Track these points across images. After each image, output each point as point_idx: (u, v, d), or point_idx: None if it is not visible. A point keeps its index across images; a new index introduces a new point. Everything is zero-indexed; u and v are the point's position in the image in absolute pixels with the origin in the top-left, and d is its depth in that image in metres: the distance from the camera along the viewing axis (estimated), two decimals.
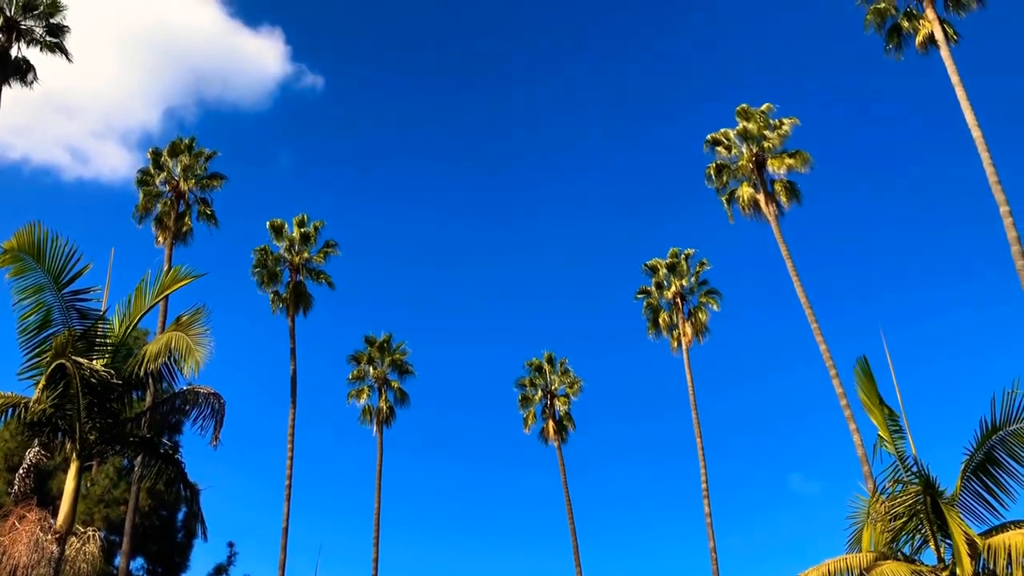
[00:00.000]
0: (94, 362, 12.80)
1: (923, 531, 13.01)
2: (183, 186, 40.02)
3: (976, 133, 27.68)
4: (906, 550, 13.35)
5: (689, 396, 42.68)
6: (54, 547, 11.87)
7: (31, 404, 12.61)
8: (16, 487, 12.31)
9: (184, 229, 39.80)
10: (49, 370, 12.15)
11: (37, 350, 13.19)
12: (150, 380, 14.23)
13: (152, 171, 40.52)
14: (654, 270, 46.71)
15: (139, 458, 15.13)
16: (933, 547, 12.81)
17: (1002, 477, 12.66)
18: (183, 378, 13.96)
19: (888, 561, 12.59)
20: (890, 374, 14.77)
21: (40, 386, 12.09)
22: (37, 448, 13.11)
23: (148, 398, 16.61)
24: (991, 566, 11.90)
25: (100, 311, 13.74)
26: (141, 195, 39.85)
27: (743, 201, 38.55)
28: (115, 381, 12.66)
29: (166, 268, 14.16)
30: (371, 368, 49.78)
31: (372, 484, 47.56)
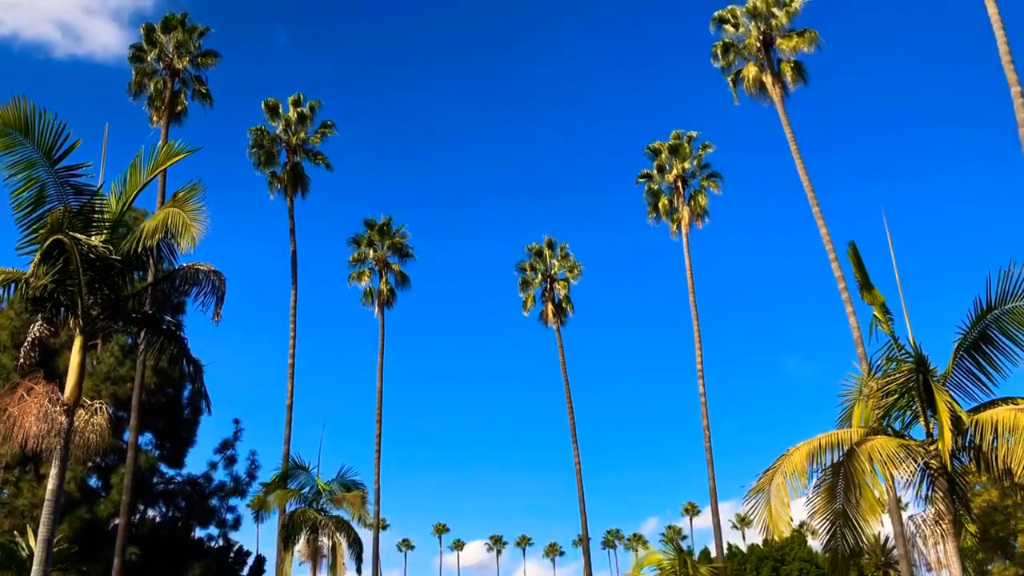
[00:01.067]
0: (92, 238, 12.78)
1: (914, 408, 13.28)
2: (177, 64, 39.12)
3: (992, 10, 26.85)
4: (896, 426, 13.67)
5: (687, 280, 42.98)
6: (63, 418, 12.14)
7: (31, 279, 12.67)
8: (22, 360, 12.51)
9: (179, 108, 39.17)
10: (45, 245, 12.16)
11: (34, 226, 13.15)
12: (150, 258, 14.26)
13: (145, 47, 39.55)
14: (656, 153, 46.21)
15: (142, 335, 15.31)
16: (923, 423, 13.11)
17: (994, 355, 12.83)
18: (182, 255, 13.99)
19: (878, 436, 12.90)
20: (890, 255, 14.79)
21: (36, 261, 12.10)
22: (41, 323, 13.25)
23: (149, 277, 16.69)
24: (977, 441, 12.22)
25: (95, 187, 13.62)
26: (134, 72, 39.04)
27: (748, 81, 37.80)
28: (114, 257, 12.67)
29: (162, 144, 13.94)
30: (371, 251, 49.94)
31: (374, 364, 48.50)
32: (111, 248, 12.68)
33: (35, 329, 13.03)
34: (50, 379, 13.29)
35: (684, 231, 43.83)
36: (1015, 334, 12.57)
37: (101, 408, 12.71)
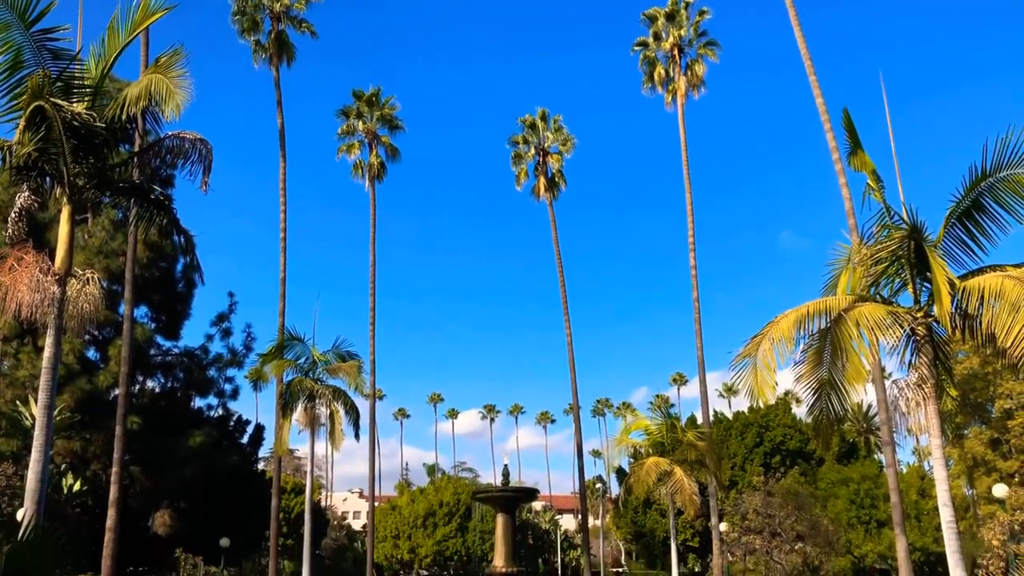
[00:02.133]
0: (74, 105, 12.47)
1: (903, 275, 13.38)
2: None
3: None
4: (884, 293, 13.80)
5: (681, 151, 42.54)
6: (55, 288, 12.16)
7: (14, 147, 12.43)
8: (10, 230, 12.42)
9: None
10: (28, 112, 11.87)
11: (13, 92, 12.80)
12: (135, 128, 13.98)
13: None
14: (652, 19, 44.86)
15: (132, 206, 15.15)
16: (911, 290, 13.23)
17: (985, 223, 12.84)
18: (167, 124, 13.70)
19: (866, 303, 13.04)
20: (887, 125, 14.60)
21: (20, 128, 11.84)
22: (27, 193, 13.08)
23: (136, 148, 16.39)
24: (964, 306, 12.37)
25: (73, 52, 13.19)
26: None
27: None
28: (97, 125, 12.41)
29: (139, 5, 13.38)
30: (360, 123, 49.12)
31: (367, 240, 48.51)
32: (94, 115, 12.40)
33: (22, 199, 12.87)
34: (41, 252, 13.22)
35: (680, 102, 43.06)
36: (1008, 202, 12.54)
37: (93, 278, 12.71)
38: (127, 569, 43.02)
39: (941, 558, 46.53)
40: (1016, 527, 26.00)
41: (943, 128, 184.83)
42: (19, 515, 17.15)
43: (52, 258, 12.95)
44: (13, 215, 12.63)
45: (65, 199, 12.82)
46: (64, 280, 12.45)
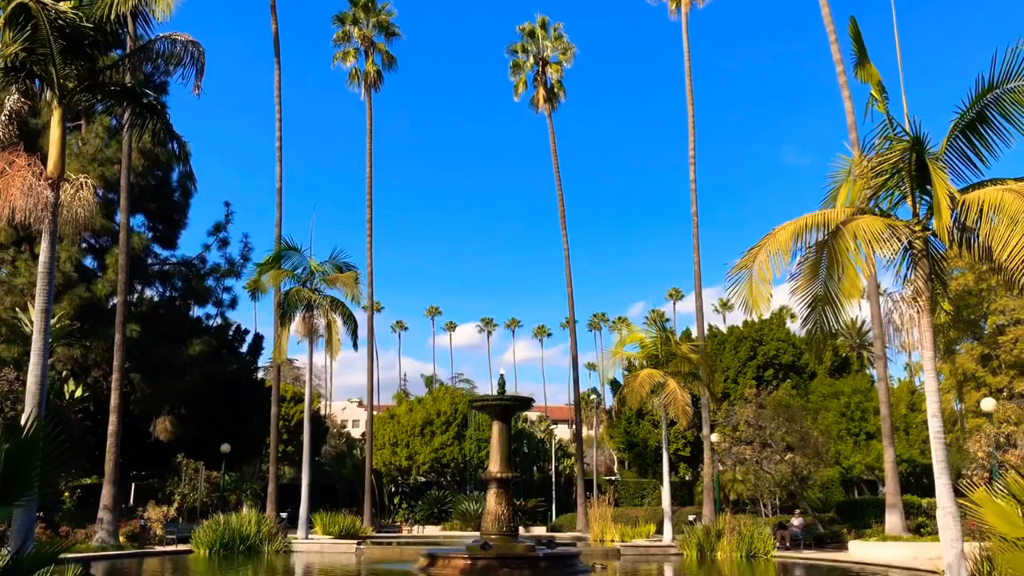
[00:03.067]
0: (60, 4, 12.14)
1: (903, 188, 13.29)
2: None
3: None
4: (883, 206, 13.74)
5: (684, 62, 41.77)
6: (48, 192, 12.06)
7: (1, 48, 12.15)
8: (0, 133, 12.24)
9: None
10: (9, 9, 11.56)
11: None
12: (127, 33, 13.65)
13: None
14: None
15: (126, 113, 14.90)
16: (910, 203, 13.17)
17: (989, 135, 12.68)
18: (157, 24, 13.37)
19: (864, 215, 12.99)
20: (893, 36, 14.29)
21: (1, 27, 11.54)
22: (16, 95, 12.85)
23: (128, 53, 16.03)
24: (963, 220, 12.32)
25: None
26: None
27: None
28: (85, 24, 12.11)
29: None
30: (356, 29, 48.06)
31: (364, 150, 48.01)
32: (81, 15, 12.09)
33: (11, 102, 12.65)
34: (33, 156, 13.06)
35: (684, 11, 42.05)
36: (1013, 114, 12.36)
37: (86, 182, 12.59)
38: (131, 473, 43.98)
39: (927, 469, 47.58)
40: (1002, 439, 26.52)
41: (951, 35, 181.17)
42: (23, 419, 17.40)
43: (45, 164, 12.81)
44: (3, 117, 12.44)
45: (55, 102, 12.60)
46: (57, 184, 12.34)
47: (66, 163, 12.98)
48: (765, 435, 35.18)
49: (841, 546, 30.15)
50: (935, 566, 13.93)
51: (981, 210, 11.94)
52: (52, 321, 32.06)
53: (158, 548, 28.47)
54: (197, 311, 44.43)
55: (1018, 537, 7.48)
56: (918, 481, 45.70)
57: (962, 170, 13.07)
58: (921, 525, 31.86)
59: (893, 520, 29.34)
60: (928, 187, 12.96)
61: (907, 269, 13.44)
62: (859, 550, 27.37)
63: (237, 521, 27.65)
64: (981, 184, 12.76)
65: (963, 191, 12.65)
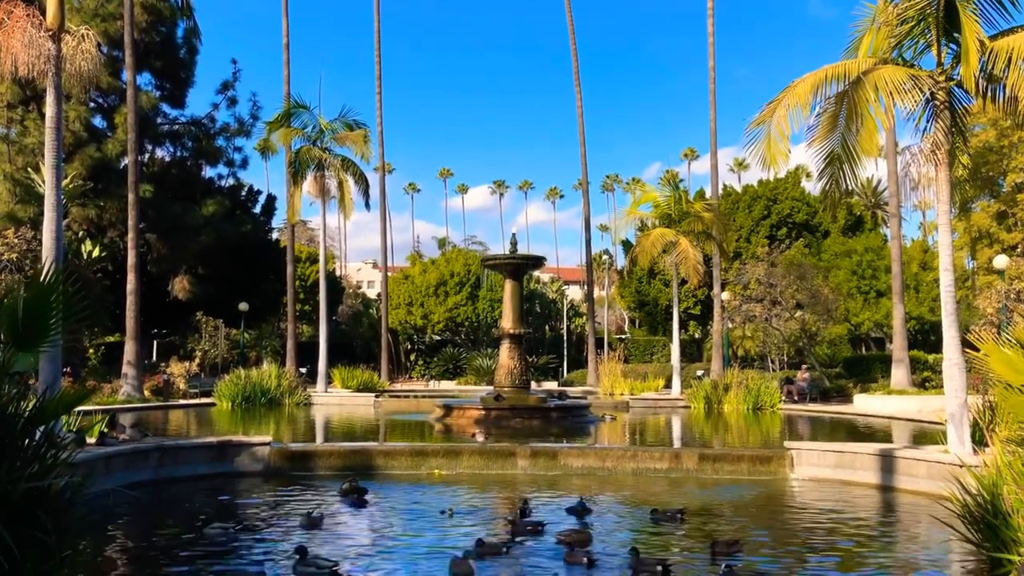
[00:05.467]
0: None
1: (928, 36, 12.82)
2: None
3: None
4: (907, 56, 13.30)
5: None
6: (49, 44, 11.80)
7: None
8: None
9: None
10: None
11: None
12: None
13: None
14: None
15: None
16: (935, 52, 12.73)
17: None
18: None
19: (887, 66, 12.60)
20: None
21: None
22: None
23: None
24: (989, 68, 11.94)
25: None
26: None
27: None
28: None
29: None
30: None
31: (370, 5, 46.47)
32: None
33: None
34: (31, 5, 12.69)
35: None
36: None
37: (88, 35, 12.28)
38: (152, 331, 45.04)
39: (934, 327, 48.12)
40: (1012, 295, 26.64)
41: None
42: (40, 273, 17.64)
43: (44, 16, 12.47)
44: None
45: None
46: (58, 36, 12.05)
47: (66, 17, 12.64)
48: (775, 293, 35.47)
49: (847, 400, 30.88)
50: (939, 417, 14.28)
51: (1010, 58, 11.53)
52: (65, 182, 32.10)
53: (182, 401, 29.44)
54: (209, 172, 44.28)
55: (1020, 384, 7.61)
56: (925, 338, 46.32)
57: (992, 15, 12.54)
58: (926, 380, 32.50)
59: (899, 375, 29.91)
60: (955, 35, 12.50)
61: (927, 122, 13.12)
62: (864, 403, 28.03)
63: (258, 375, 28.43)
64: (1012, 30, 12.28)
65: (992, 38, 12.19)
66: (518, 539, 8.57)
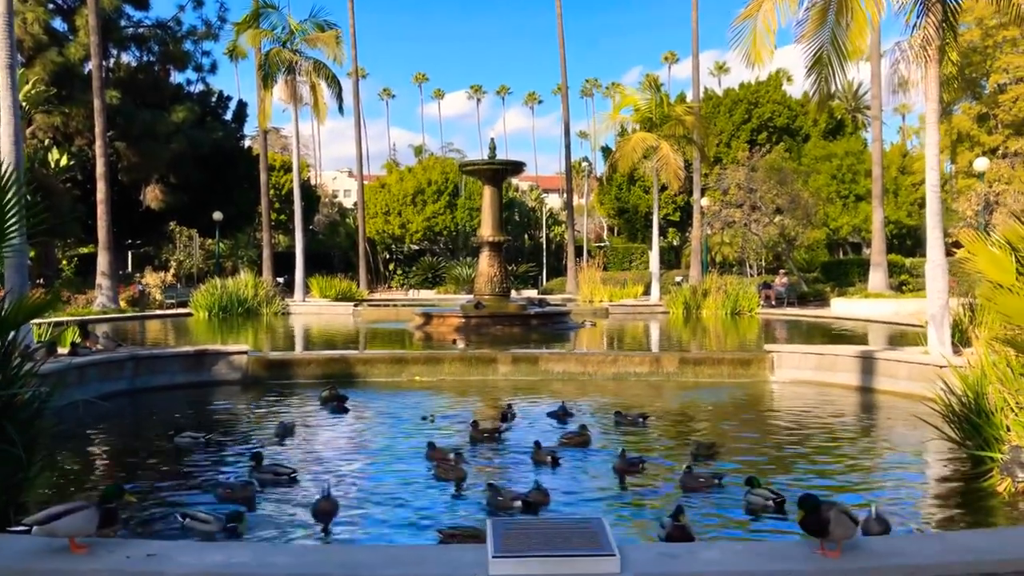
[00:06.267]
0: None
1: None
2: None
3: None
4: None
5: None
6: None
7: None
8: None
9: None
10: None
11: None
12: None
13: None
14: None
15: None
16: None
17: None
18: None
19: None
20: None
21: None
22: None
23: None
24: None
25: None
26: None
27: None
28: None
29: None
30: None
31: None
32: None
33: None
34: None
35: None
36: None
37: None
38: (126, 242, 44.40)
39: (912, 231, 48.41)
40: (992, 198, 26.63)
41: None
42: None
43: None
44: None
45: None
46: None
47: None
48: (755, 198, 35.33)
49: (824, 304, 31.10)
50: (920, 319, 14.31)
51: None
52: (26, 87, 31.04)
53: (158, 312, 29.18)
54: (178, 77, 43.01)
55: (1010, 284, 7.51)
56: (901, 243, 46.60)
57: None
58: (903, 283, 32.76)
59: (877, 278, 30.07)
60: None
61: (917, 18, 12.72)
62: (841, 307, 28.23)
63: (234, 285, 28.12)
64: None
65: None
66: (476, 445, 8.50)
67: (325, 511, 5.91)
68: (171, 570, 3.75)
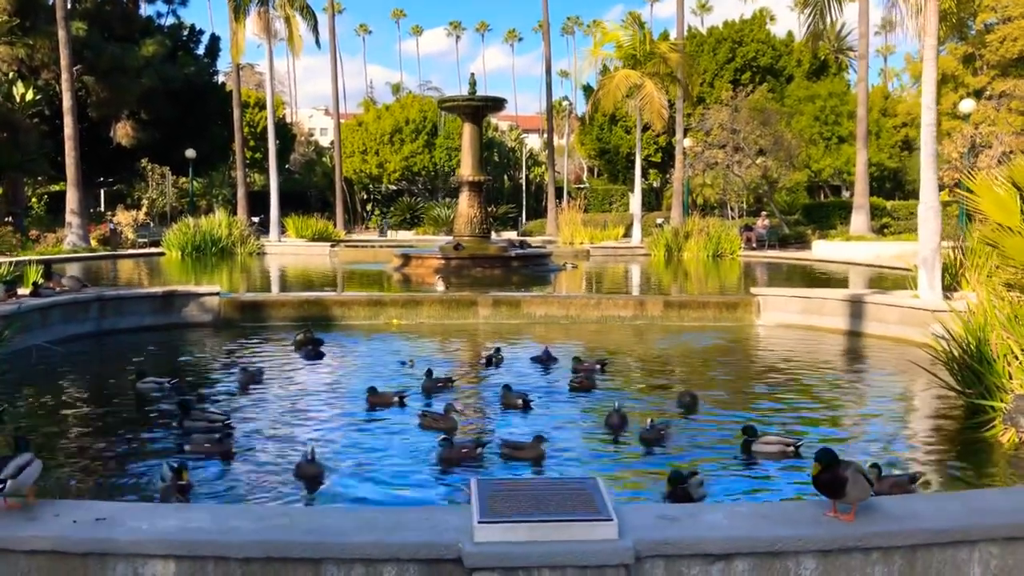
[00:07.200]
0: None
1: None
2: None
3: None
4: None
5: None
6: None
7: None
8: None
9: None
10: None
11: None
12: None
13: None
14: None
15: None
16: None
17: None
18: None
19: None
20: None
21: None
22: None
23: None
24: None
25: None
26: None
27: None
28: None
29: None
30: None
31: None
32: None
33: None
34: None
35: None
36: None
37: None
38: (97, 180, 43.35)
39: (894, 173, 48.18)
40: (977, 140, 26.33)
41: None
42: None
43: None
44: None
45: None
46: None
47: None
48: (738, 139, 34.82)
49: (805, 246, 30.92)
50: (904, 262, 14.05)
51: None
52: None
53: (130, 251, 28.53)
54: (148, 9, 41.58)
55: (1015, 225, 7.21)
56: (881, 185, 46.39)
57: None
58: (884, 226, 32.58)
59: (859, 221, 29.86)
60: None
61: None
62: (823, 249, 28.05)
63: (208, 224, 27.49)
64: None
65: None
66: (431, 396, 8.06)
67: (310, 475, 5.48)
68: (122, 535, 3.40)
